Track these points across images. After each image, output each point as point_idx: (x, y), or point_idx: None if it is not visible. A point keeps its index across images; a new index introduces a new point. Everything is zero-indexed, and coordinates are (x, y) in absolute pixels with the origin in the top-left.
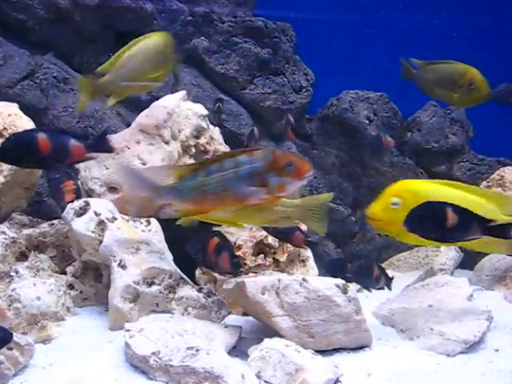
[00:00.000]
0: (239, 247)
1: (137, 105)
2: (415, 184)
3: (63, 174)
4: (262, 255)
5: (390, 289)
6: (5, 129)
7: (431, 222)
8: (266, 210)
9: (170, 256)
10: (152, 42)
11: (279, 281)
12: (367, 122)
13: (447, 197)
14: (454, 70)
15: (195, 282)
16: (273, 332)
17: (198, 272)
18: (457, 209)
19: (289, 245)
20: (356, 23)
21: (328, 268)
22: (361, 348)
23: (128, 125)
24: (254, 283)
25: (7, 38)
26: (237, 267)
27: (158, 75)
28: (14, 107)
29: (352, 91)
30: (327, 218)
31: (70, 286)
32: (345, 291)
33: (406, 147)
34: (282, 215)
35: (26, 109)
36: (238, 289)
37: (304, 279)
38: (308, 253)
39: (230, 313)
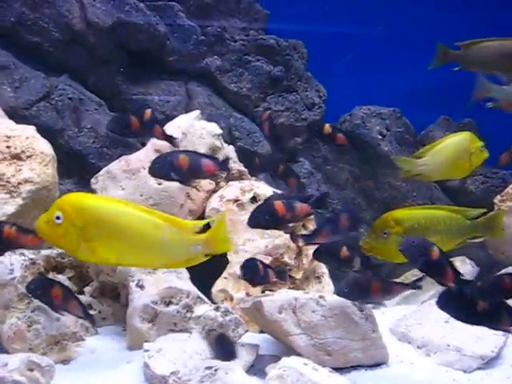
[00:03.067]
0: None
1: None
2: (80, 199)
3: None
4: None
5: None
6: (23, 152)
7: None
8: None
9: (186, 275)
10: None
11: (296, 299)
12: (380, 137)
13: (114, 213)
14: None
15: (211, 301)
16: (290, 350)
17: (214, 290)
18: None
19: (304, 262)
20: (367, 37)
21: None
22: (378, 365)
23: (143, 145)
24: (271, 302)
25: (23, 60)
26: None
27: None
28: (31, 129)
29: (364, 107)
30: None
31: (89, 306)
32: (361, 309)
33: None
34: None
35: (42, 130)
36: (255, 308)
37: (321, 297)
38: (323, 269)
39: (247, 331)
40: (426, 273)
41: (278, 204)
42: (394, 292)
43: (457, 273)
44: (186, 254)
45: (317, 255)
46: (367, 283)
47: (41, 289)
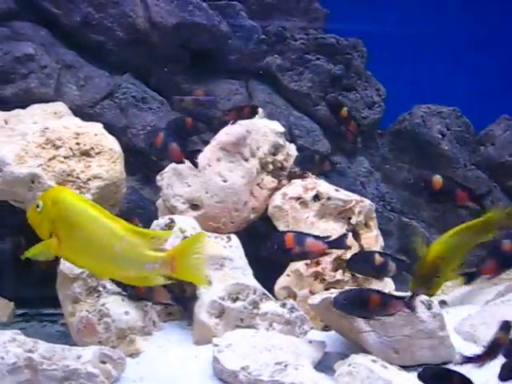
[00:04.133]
0: (318, 263)
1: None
2: (59, 194)
3: None
4: (340, 271)
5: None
6: (92, 148)
7: None
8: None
9: (250, 271)
10: None
11: None
12: (440, 136)
13: (79, 214)
14: None
15: (274, 298)
16: (357, 347)
17: (277, 287)
18: None
19: None
20: (424, 36)
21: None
22: (444, 364)
23: (206, 143)
24: None
25: (88, 59)
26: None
27: None
28: (98, 126)
29: (424, 105)
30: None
31: None
32: (429, 307)
33: (480, 161)
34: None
35: (106, 128)
36: (324, 304)
37: None
38: None
39: (312, 328)
40: (437, 202)
41: (289, 236)
42: (392, 308)
43: (469, 190)
44: (139, 269)
45: (350, 266)
46: (365, 297)
47: None
